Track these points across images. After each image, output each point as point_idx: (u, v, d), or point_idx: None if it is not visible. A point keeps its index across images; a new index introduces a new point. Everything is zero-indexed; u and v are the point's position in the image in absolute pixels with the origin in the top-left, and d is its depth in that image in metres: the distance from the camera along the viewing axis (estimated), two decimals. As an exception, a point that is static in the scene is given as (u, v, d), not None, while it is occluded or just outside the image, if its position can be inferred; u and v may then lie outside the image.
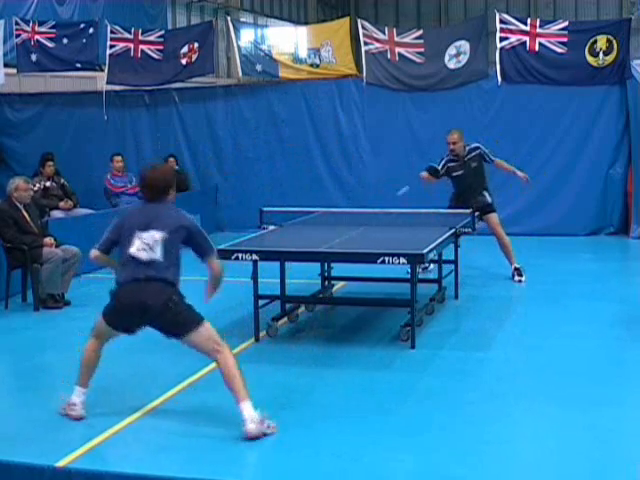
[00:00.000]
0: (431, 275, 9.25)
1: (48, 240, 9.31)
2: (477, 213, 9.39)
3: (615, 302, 9.03)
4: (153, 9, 22.10)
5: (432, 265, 9.32)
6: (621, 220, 13.26)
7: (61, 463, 4.94)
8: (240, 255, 7.38)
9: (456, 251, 9.27)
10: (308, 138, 14.32)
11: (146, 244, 5.49)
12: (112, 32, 14.23)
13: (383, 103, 13.87)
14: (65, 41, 14.32)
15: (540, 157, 13.36)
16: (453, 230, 8.45)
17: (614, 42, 12.53)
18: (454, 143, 10.06)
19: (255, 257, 7.40)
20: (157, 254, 5.49)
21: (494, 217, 10.11)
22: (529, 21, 13.07)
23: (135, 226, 5.58)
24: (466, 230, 8.90)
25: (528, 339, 7.75)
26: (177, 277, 5.59)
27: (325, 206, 11.04)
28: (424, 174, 10.17)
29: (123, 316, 5.58)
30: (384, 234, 8.55)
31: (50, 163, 12.58)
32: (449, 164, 10.12)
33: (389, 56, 13.34)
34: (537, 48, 12.67)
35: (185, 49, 14.19)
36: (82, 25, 14.50)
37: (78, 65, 14.62)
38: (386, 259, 7.02)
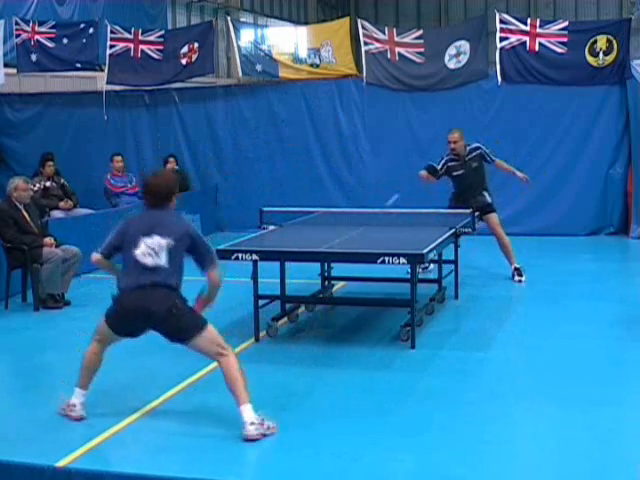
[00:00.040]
0: (431, 275, 9.24)
1: (48, 240, 9.32)
2: (477, 213, 9.39)
3: (615, 302, 9.03)
4: (153, 9, 22.10)
5: (432, 265, 9.32)
6: (621, 220, 13.26)
7: (61, 463, 4.94)
8: (240, 255, 7.38)
9: (456, 251, 9.27)
10: (308, 138, 14.31)
11: (152, 249, 5.49)
12: (112, 32, 14.23)
13: (383, 103, 13.87)
14: (65, 41, 14.32)
15: (540, 157, 13.36)
16: (453, 230, 8.45)
17: (614, 42, 12.52)
18: (455, 142, 10.07)
19: (255, 257, 7.40)
20: (162, 260, 5.49)
21: (494, 217, 10.11)
22: (529, 21, 13.07)
23: (139, 232, 5.58)
24: (466, 230, 8.90)
25: (528, 339, 7.75)
26: (180, 283, 5.60)
27: (325, 206, 11.04)
28: (423, 173, 10.17)
29: (126, 321, 5.58)
30: (384, 234, 8.55)
31: (50, 163, 12.58)
32: (449, 163, 10.12)
33: (389, 56, 13.33)
34: (537, 48, 12.67)
35: (185, 49, 14.19)
36: (82, 25, 14.50)
37: (78, 65, 14.62)
38: (386, 259, 7.02)
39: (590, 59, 12.59)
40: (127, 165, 13.90)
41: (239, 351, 7.07)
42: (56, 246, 9.34)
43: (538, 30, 12.67)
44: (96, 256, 5.77)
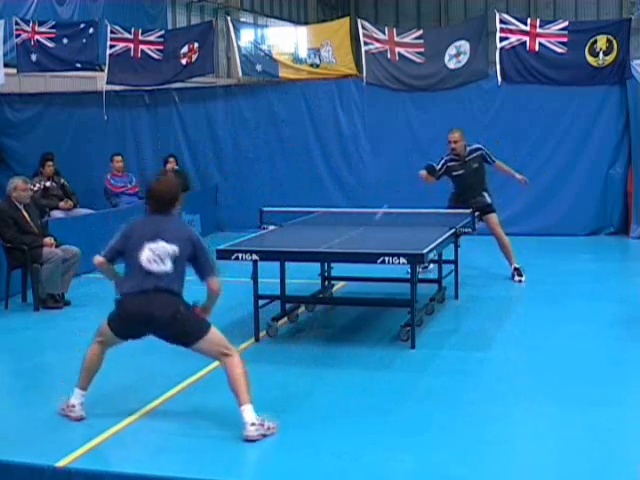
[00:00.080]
0: (431, 275, 9.24)
1: (48, 240, 9.31)
2: (477, 213, 9.39)
3: (615, 302, 9.03)
4: (153, 9, 22.10)
5: (432, 265, 9.32)
6: (621, 220, 13.26)
7: (61, 463, 4.94)
8: (240, 255, 7.38)
9: (456, 251, 9.27)
10: (308, 138, 14.31)
11: (157, 255, 5.49)
12: (112, 32, 14.23)
13: (383, 103, 13.87)
14: (65, 41, 14.32)
15: (540, 157, 13.36)
16: (453, 230, 8.45)
17: (614, 42, 12.53)
18: (455, 142, 10.07)
19: (255, 257, 7.40)
20: (167, 266, 5.49)
21: (493, 217, 10.12)
22: (529, 21, 13.07)
23: (143, 238, 5.57)
24: (466, 230, 8.90)
25: (528, 339, 7.75)
26: (182, 288, 5.60)
27: (325, 206, 11.03)
28: (423, 173, 10.17)
29: (128, 325, 5.58)
30: (384, 234, 8.55)
31: (50, 163, 12.58)
32: (449, 163, 10.12)
33: (389, 56, 13.34)
34: (537, 48, 12.67)
35: (185, 49, 14.19)
36: (82, 25, 14.50)
37: (78, 65, 14.62)
38: (386, 259, 7.02)
39: (590, 59, 12.59)
40: (127, 165, 13.91)
41: (239, 351, 7.04)
42: (56, 246, 9.34)
43: (538, 30, 12.68)
44: (99, 259, 5.74)
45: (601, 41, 12.55)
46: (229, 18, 16.33)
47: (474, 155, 10.10)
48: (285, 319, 8.26)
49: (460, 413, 5.83)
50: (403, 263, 7.06)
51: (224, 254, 7.35)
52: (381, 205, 9.12)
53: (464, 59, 13.09)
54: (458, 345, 7.59)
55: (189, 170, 14.65)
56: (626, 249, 12.67)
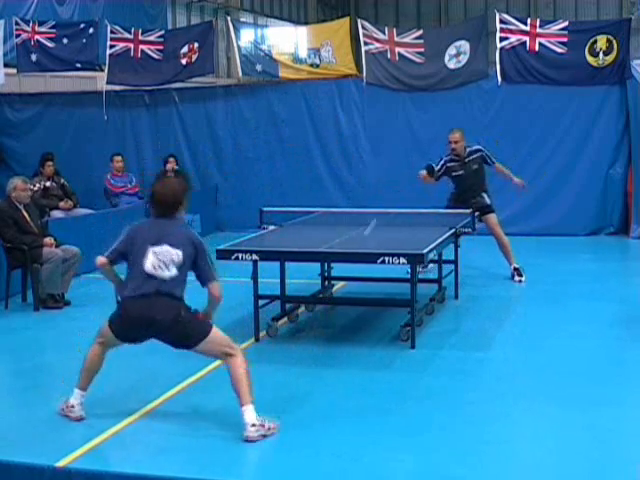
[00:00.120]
0: (431, 275, 9.24)
1: (48, 240, 9.31)
2: (476, 213, 9.39)
3: (615, 302, 9.03)
4: (153, 9, 22.10)
5: (431, 265, 9.31)
6: (621, 220, 13.27)
7: (61, 463, 4.94)
8: (240, 255, 7.38)
9: (456, 251, 9.27)
10: (308, 138, 14.32)
11: (161, 261, 5.48)
12: (112, 32, 14.23)
13: (383, 103, 13.87)
14: (65, 41, 14.33)
15: (540, 157, 13.37)
16: (453, 230, 8.45)
17: (614, 42, 12.53)
18: (456, 142, 10.07)
19: (255, 257, 7.40)
20: (171, 271, 5.48)
21: (493, 217, 10.12)
22: (529, 21, 13.07)
23: (147, 242, 5.56)
24: (466, 230, 8.91)
25: (528, 339, 7.75)
26: (184, 293, 5.59)
27: (325, 206, 11.04)
28: (423, 173, 10.17)
29: (129, 328, 5.58)
30: (384, 234, 8.55)
31: (50, 163, 12.57)
32: (448, 164, 10.12)
33: (389, 56, 13.34)
34: (537, 48, 12.67)
35: (185, 49, 14.19)
36: (82, 25, 14.50)
37: (78, 65, 14.62)
38: (386, 259, 7.02)
39: (590, 59, 12.59)
40: (127, 165, 13.91)
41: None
42: (56, 246, 9.34)
43: (538, 30, 12.68)
44: (102, 259, 5.70)
45: (601, 41, 12.55)
46: (229, 18, 16.33)
47: (474, 156, 10.10)
48: (285, 319, 8.26)
49: (460, 413, 5.83)
50: (403, 263, 7.06)
51: (224, 254, 7.35)
52: (372, 218, 9.02)
53: (464, 59, 13.09)
54: (458, 345, 7.59)
55: (189, 170, 14.62)
56: (626, 249, 12.67)
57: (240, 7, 30.93)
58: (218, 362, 6.39)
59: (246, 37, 14.82)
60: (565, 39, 12.61)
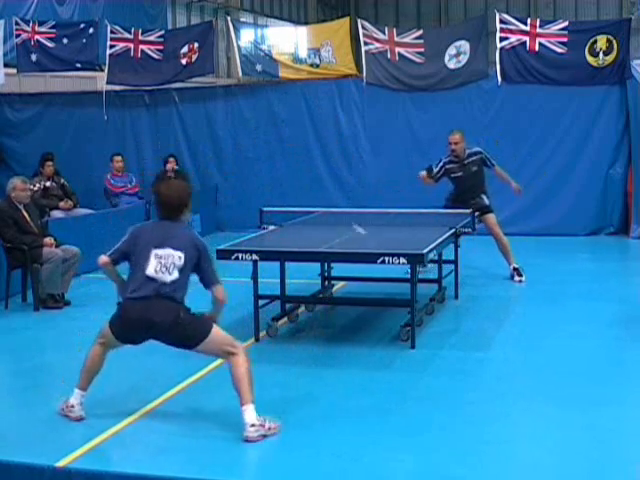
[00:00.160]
0: (431, 275, 9.24)
1: (48, 240, 9.31)
2: (476, 214, 9.38)
3: (614, 302, 9.03)
4: (153, 9, 22.11)
5: (429, 265, 9.31)
6: (621, 220, 13.27)
7: (61, 463, 4.94)
8: (240, 255, 7.38)
9: (456, 251, 9.27)
10: (308, 138, 14.32)
11: (163, 265, 5.47)
12: (112, 32, 14.23)
13: (383, 103, 13.88)
14: (65, 41, 14.33)
15: (540, 157, 13.37)
16: (453, 230, 8.45)
17: (614, 42, 12.53)
18: (456, 143, 10.06)
19: (255, 257, 7.40)
20: (173, 275, 5.48)
21: (492, 218, 10.11)
22: (529, 21, 13.07)
23: (150, 244, 5.56)
24: (466, 230, 8.91)
25: (528, 339, 7.75)
26: (184, 296, 5.58)
27: (325, 206, 11.04)
28: (423, 174, 10.18)
29: (129, 330, 5.58)
30: (384, 234, 8.55)
31: (49, 163, 12.57)
32: (447, 165, 10.11)
33: (389, 56, 13.34)
34: (537, 48, 12.67)
35: (185, 49, 14.19)
36: (82, 25, 14.51)
37: (78, 65, 14.62)
38: (386, 259, 7.02)
39: (590, 59, 12.60)
40: (127, 165, 13.92)
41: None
42: (56, 246, 9.34)
43: (538, 30, 12.68)
44: (104, 259, 5.70)
45: (601, 41, 12.55)
46: (229, 18, 16.34)
47: (473, 158, 10.09)
48: (285, 319, 8.26)
49: (460, 413, 5.83)
50: (403, 263, 7.07)
51: (224, 254, 7.35)
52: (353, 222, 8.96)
53: (464, 59, 13.09)
54: (458, 345, 7.59)
55: (189, 170, 14.64)
56: (626, 249, 12.67)
57: (240, 7, 30.93)
58: (218, 362, 6.41)
59: (246, 37, 14.83)
60: (565, 39, 12.61)
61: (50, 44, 14.33)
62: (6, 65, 14.11)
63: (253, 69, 14.28)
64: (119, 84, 14.63)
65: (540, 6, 36.15)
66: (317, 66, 13.95)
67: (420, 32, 13.50)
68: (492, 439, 5.33)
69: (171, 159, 13.98)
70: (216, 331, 5.55)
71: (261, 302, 7.80)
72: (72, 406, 5.72)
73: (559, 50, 12.63)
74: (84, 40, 14.29)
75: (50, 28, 14.38)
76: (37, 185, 12.16)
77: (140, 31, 14.41)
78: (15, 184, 9.34)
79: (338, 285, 9.67)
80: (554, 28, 12.72)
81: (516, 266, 10.08)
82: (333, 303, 9.14)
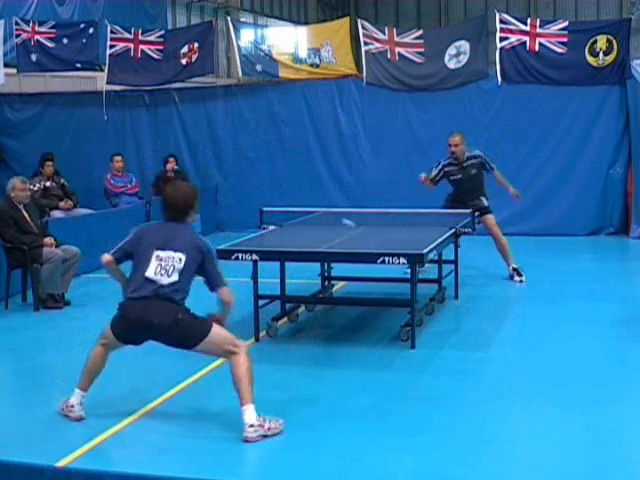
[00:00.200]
0: (430, 275, 9.24)
1: (48, 240, 9.31)
2: (475, 214, 9.38)
3: (615, 302, 9.03)
4: (153, 9, 22.11)
5: (427, 265, 9.30)
6: (621, 220, 13.27)
7: (61, 463, 4.94)
8: (240, 255, 7.39)
9: (456, 251, 9.27)
10: (308, 138, 14.32)
11: (163, 268, 5.47)
12: (112, 32, 14.24)
13: (383, 103, 13.88)
14: (65, 41, 14.33)
15: (540, 157, 13.37)
16: (453, 230, 8.45)
17: (614, 42, 12.53)
18: (456, 145, 10.06)
19: (255, 257, 7.40)
20: (172, 278, 5.48)
21: (491, 218, 10.11)
22: (529, 21, 13.07)
23: (153, 245, 5.56)
24: (466, 230, 8.90)
25: (528, 339, 7.75)
26: (185, 298, 5.58)
27: (325, 206, 11.04)
28: (422, 176, 10.17)
29: (129, 330, 5.58)
30: (384, 234, 8.55)
31: (49, 163, 12.57)
32: (446, 168, 10.11)
33: (389, 56, 13.34)
34: (537, 48, 12.67)
35: (185, 49, 14.20)
36: (82, 25, 14.51)
37: (78, 65, 14.63)
38: (386, 259, 7.02)
39: (590, 59, 12.60)
40: (127, 165, 13.92)
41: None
42: (56, 246, 9.34)
43: (538, 30, 12.68)
44: (107, 257, 5.71)
45: (601, 41, 12.55)
46: (229, 18, 16.34)
47: (473, 161, 10.08)
48: (285, 319, 8.26)
49: (460, 413, 5.83)
50: (403, 263, 7.07)
51: (224, 254, 7.34)
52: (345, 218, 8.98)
53: (464, 59, 13.09)
54: (458, 345, 7.59)
55: (189, 170, 14.65)
56: (626, 249, 12.67)
57: (240, 7, 30.93)
58: (218, 362, 6.41)
59: (246, 37, 14.83)
60: (565, 39, 12.61)
61: (50, 44, 14.33)
62: (6, 65, 14.12)
63: (253, 69, 14.28)
64: (119, 84, 14.63)
65: (540, 6, 36.15)
66: (317, 66, 13.95)
67: (420, 32, 13.50)
68: (492, 439, 5.33)
69: (171, 159, 13.99)
70: (216, 330, 5.54)
71: (261, 302, 7.79)
72: (72, 406, 5.71)
73: (559, 50, 12.63)
74: (84, 40, 14.30)
75: (50, 28, 14.38)
76: (37, 185, 12.16)
77: (140, 31, 14.42)
78: (15, 184, 9.34)
79: (338, 285, 9.67)
80: (554, 28, 12.72)
81: (515, 266, 10.08)
82: (333, 303, 9.14)
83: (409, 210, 9.55)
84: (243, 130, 14.60)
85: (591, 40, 12.56)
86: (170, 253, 5.51)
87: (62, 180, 12.72)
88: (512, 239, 10.40)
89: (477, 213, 9.62)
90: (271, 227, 8.95)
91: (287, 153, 14.39)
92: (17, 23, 14.31)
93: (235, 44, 14.45)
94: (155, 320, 5.42)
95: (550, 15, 33.08)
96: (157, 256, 5.51)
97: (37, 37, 14.31)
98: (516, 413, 5.85)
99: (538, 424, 5.69)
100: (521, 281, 9.98)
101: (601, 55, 12.55)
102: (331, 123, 14.23)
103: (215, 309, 5.71)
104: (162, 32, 14.76)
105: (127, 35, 14.29)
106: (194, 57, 14.18)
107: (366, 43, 13.41)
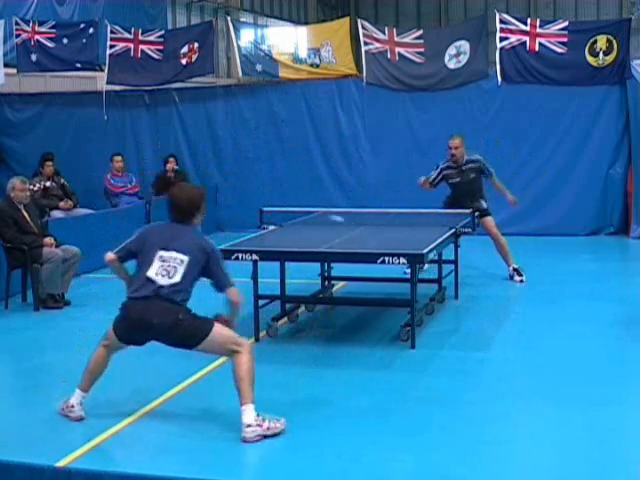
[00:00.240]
0: (430, 275, 9.24)
1: (48, 240, 9.31)
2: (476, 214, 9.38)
3: (615, 302, 9.03)
4: (153, 9, 22.11)
5: (427, 265, 9.30)
6: (621, 220, 13.27)
7: (61, 463, 4.94)
8: (240, 255, 7.39)
9: (456, 251, 9.27)
10: (308, 138, 14.32)
11: (165, 269, 5.47)
12: (112, 32, 14.24)
13: (383, 103, 13.88)
14: (65, 41, 14.34)
15: (540, 157, 13.37)
16: (453, 230, 8.45)
17: (614, 42, 12.53)
18: (455, 148, 10.05)
19: (255, 257, 7.40)
20: (173, 279, 5.47)
21: (490, 220, 10.10)
22: (529, 21, 13.07)
23: (157, 245, 5.56)
24: (466, 230, 8.90)
25: (528, 339, 7.75)
26: (186, 299, 5.57)
27: (325, 206, 11.05)
28: (422, 179, 10.17)
29: (130, 331, 5.58)
30: (384, 234, 8.55)
31: (49, 163, 12.57)
32: (445, 171, 10.10)
33: (389, 56, 13.34)
34: (537, 48, 12.68)
35: (185, 49, 14.20)
36: (82, 25, 14.52)
37: (78, 65, 14.63)
38: (386, 259, 7.02)
39: (590, 59, 12.60)
40: (127, 165, 13.91)
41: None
42: (56, 246, 9.34)
43: (538, 30, 12.68)
44: (111, 255, 5.71)
45: (601, 41, 12.55)
46: (229, 18, 16.34)
47: (472, 165, 10.07)
48: (285, 319, 8.26)
49: (460, 413, 5.83)
50: (403, 263, 7.06)
51: (224, 254, 7.26)
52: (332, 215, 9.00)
53: (464, 59, 13.10)
54: (458, 345, 7.59)
55: (189, 170, 14.65)
56: (626, 249, 12.67)
57: (240, 7, 30.93)
58: (219, 362, 6.41)
59: (246, 37, 14.83)
60: (565, 39, 12.61)
61: (50, 44, 14.33)
62: (6, 65, 14.12)
63: (253, 69, 14.29)
64: (119, 84, 14.64)
65: (540, 6, 36.15)
66: (317, 66, 13.96)
67: (420, 32, 13.51)
68: (492, 439, 5.33)
69: (171, 159, 13.99)
70: (218, 330, 5.52)
71: (261, 302, 7.80)
72: (72, 406, 5.71)
73: (559, 50, 12.63)
74: (84, 40, 14.30)
75: (50, 28, 14.38)
76: (37, 185, 12.16)
77: (140, 31, 14.42)
78: (14, 184, 9.35)
79: (338, 285, 9.67)
80: (554, 28, 12.73)
81: (515, 266, 10.08)
82: (333, 303, 9.14)
83: (409, 210, 9.56)
84: (243, 130, 14.60)
85: (591, 40, 12.56)
86: (173, 254, 5.51)
87: (62, 180, 12.72)
88: (512, 239, 10.40)
89: (476, 214, 9.62)
90: (271, 227, 8.95)
91: (287, 153, 14.39)
92: (17, 23, 14.31)
93: (235, 44, 14.45)
94: (155, 320, 5.42)
95: (550, 15, 33.07)
96: (160, 256, 5.51)
97: (37, 37, 14.31)
98: (516, 413, 5.85)
99: (538, 424, 5.69)
100: (521, 281, 9.98)
101: (601, 55, 12.56)
102: (331, 123, 14.23)
103: (222, 310, 5.70)
104: (162, 32, 14.76)
105: (127, 35, 14.29)
106: (194, 57, 14.19)
107: (366, 43, 13.42)
